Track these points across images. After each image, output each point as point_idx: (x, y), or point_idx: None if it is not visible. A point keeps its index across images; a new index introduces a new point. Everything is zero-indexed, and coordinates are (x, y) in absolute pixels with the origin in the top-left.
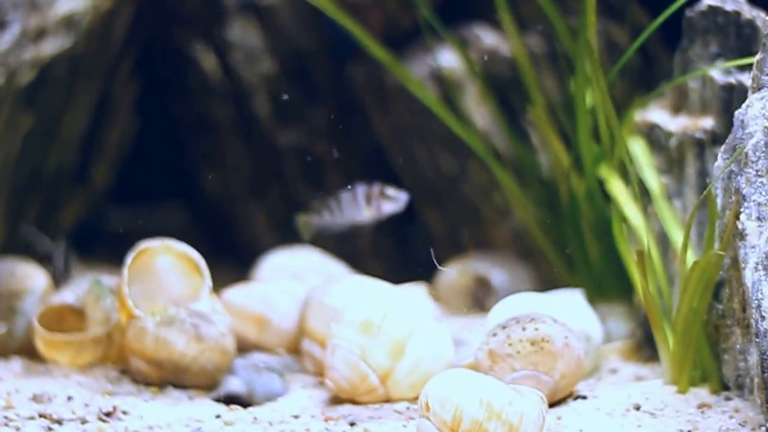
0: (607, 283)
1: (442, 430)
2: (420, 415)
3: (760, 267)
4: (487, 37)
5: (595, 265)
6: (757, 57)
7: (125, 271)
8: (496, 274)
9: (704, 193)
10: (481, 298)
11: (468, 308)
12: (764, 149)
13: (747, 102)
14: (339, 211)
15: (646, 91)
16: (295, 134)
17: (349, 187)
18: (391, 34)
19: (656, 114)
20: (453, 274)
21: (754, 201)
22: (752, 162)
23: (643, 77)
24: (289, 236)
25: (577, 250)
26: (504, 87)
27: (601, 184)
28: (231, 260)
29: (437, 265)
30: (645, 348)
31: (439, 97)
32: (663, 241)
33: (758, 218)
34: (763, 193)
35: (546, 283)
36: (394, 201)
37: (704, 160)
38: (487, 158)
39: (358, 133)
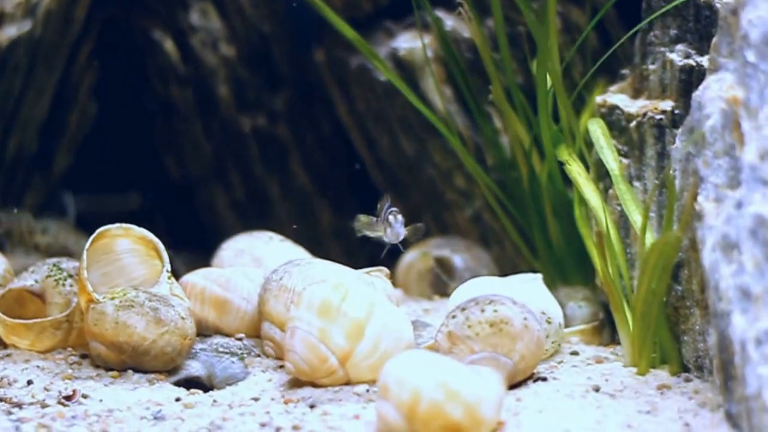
0: (570, 266)
1: (400, 412)
2: (379, 396)
3: (717, 248)
4: (447, 19)
5: (558, 248)
6: (715, 39)
7: (84, 254)
8: (458, 257)
9: (663, 174)
10: (443, 281)
11: (430, 292)
12: (721, 131)
13: (704, 84)
14: (377, 225)
15: (607, 75)
16: (256, 118)
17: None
18: (351, 17)
19: (616, 96)
20: (413, 257)
21: (711, 182)
22: (709, 144)
23: (605, 61)
24: (250, 220)
25: (539, 234)
26: (466, 69)
27: (562, 166)
28: (192, 244)
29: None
30: (606, 331)
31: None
32: (624, 223)
33: (716, 199)
34: (721, 174)
35: (508, 266)
36: (392, 231)
37: (664, 142)
38: (450, 139)
39: (320, 117)
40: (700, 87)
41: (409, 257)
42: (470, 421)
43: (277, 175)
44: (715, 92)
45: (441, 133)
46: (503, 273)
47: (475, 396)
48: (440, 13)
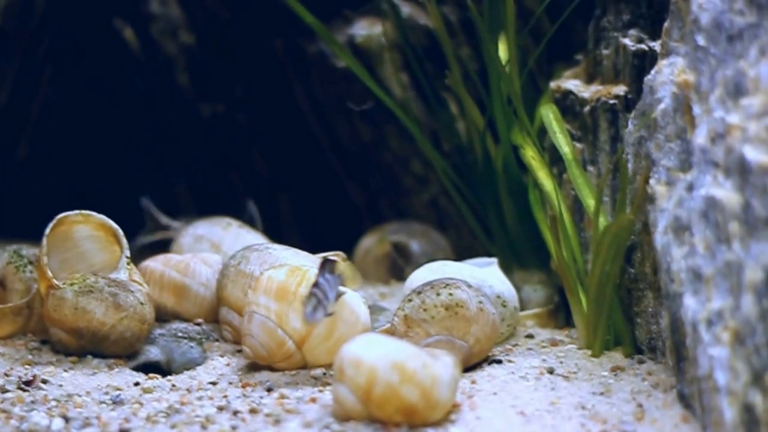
0: (525, 250)
1: (356, 394)
2: (335, 379)
3: (669, 230)
4: (403, 7)
5: (513, 232)
6: (666, 24)
7: (44, 240)
8: (415, 242)
9: (615, 158)
10: (400, 266)
11: (387, 277)
12: (673, 114)
13: (656, 68)
14: None
15: (563, 61)
16: (215, 105)
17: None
18: (309, 3)
19: (570, 81)
20: (370, 242)
21: (663, 166)
22: (661, 127)
23: (561, 47)
24: (209, 207)
25: (495, 218)
26: (421, 56)
27: (516, 151)
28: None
29: None
30: (561, 314)
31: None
32: (578, 207)
33: (667, 182)
34: (672, 157)
35: (464, 251)
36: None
37: (618, 127)
38: (408, 123)
39: (279, 104)
40: (652, 71)
41: (366, 242)
42: (425, 404)
43: (236, 161)
44: (667, 76)
45: (398, 119)
46: (460, 257)
47: (430, 378)
48: (397, 0)
